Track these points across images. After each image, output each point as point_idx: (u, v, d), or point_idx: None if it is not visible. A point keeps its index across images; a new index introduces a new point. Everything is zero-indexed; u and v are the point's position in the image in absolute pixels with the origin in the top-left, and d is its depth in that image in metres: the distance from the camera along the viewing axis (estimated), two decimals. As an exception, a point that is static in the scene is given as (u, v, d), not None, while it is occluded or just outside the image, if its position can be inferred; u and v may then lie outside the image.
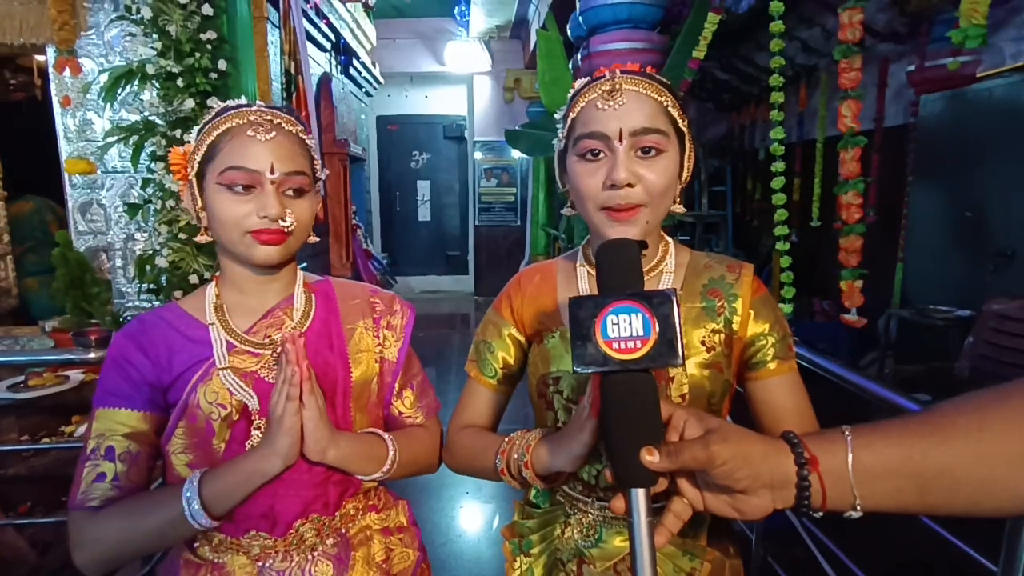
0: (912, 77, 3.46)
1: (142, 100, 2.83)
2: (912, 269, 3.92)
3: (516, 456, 0.77)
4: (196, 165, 0.80)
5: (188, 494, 0.75)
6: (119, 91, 2.58)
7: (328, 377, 0.86)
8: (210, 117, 0.82)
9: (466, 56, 7.40)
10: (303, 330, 0.87)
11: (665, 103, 0.78)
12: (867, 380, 1.40)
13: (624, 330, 0.52)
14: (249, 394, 0.82)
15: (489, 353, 0.93)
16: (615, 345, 0.52)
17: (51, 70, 3.03)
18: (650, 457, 0.50)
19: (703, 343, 0.82)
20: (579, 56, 4.18)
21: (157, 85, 2.51)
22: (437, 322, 6.96)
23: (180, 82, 2.48)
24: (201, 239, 0.85)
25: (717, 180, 5.95)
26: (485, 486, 3.03)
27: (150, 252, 2.53)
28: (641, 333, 0.52)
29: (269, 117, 0.80)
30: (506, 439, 0.81)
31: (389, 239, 8.52)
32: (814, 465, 0.51)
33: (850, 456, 0.50)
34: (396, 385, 0.97)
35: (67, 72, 2.83)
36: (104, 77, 2.71)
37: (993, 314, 2.79)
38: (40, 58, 3.36)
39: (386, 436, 0.90)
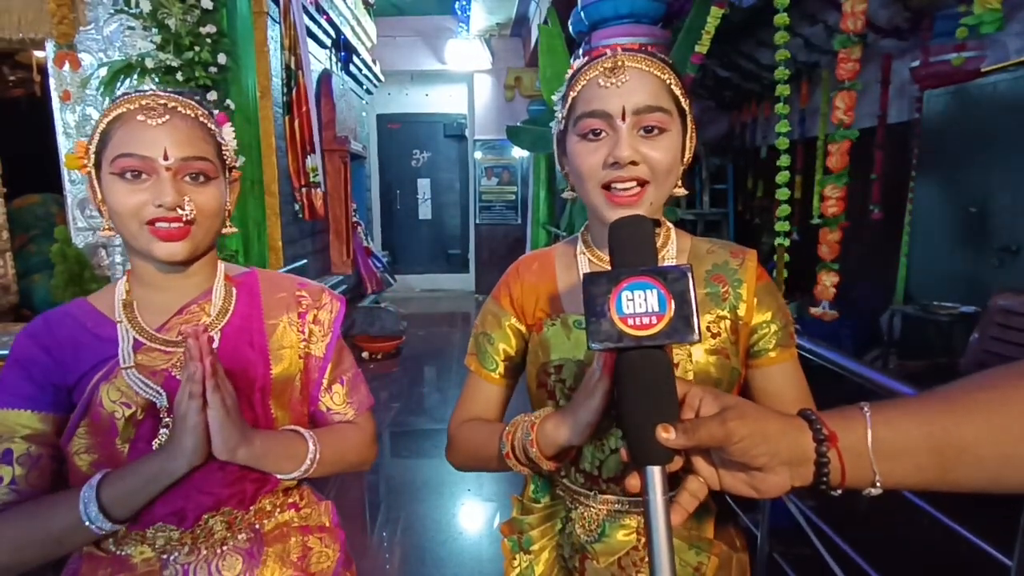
0: (916, 72, 3.45)
1: (198, 100, 2.83)
2: (916, 265, 3.91)
3: (521, 435, 0.73)
4: (92, 156, 0.77)
5: (85, 497, 0.71)
6: (118, 85, 2.58)
7: (247, 374, 0.83)
8: (107, 107, 0.79)
9: (467, 54, 7.39)
10: (221, 326, 0.84)
11: (668, 81, 0.76)
12: (872, 370, 1.38)
13: (639, 306, 0.51)
14: (157, 392, 0.78)
15: (489, 345, 0.90)
16: (630, 321, 0.50)
17: (50, 65, 3.01)
18: (666, 434, 0.49)
19: (708, 329, 0.80)
20: (580, 51, 4.17)
21: (156, 79, 2.51)
22: (437, 321, 6.95)
23: (180, 76, 2.48)
24: (104, 234, 0.81)
25: (718, 178, 5.95)
26: (486, 485, 3.01)
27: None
28: (656, 309, 0.50)
29: (163, 101, 0.77)
30: (510, 423, 0.78)
31: (389, 237, 8.51)
32: (833, 441, 0.49)
33: (869, 432, 0.49)
34: (324, 380, 0.93)
35: (66, 67, 2.82)
36: (103, 71, 2.70)
37: (998, 309, 2.77)
38: (39, 54, 3.35)
39: (306, 434, 0.86)
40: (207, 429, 0.73)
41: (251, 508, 0.85)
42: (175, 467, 0.74)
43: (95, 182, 0.78)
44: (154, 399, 0.78)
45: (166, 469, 0.74)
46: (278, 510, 0.89)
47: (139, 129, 0.75)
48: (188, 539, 0.81)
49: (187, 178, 0.77)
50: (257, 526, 0.86)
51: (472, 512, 2.83)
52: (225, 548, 0.83)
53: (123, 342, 0.80)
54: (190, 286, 0.84)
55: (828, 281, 2.28)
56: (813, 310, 2.37)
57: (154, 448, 0.78)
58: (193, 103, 0.80)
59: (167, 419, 0.79)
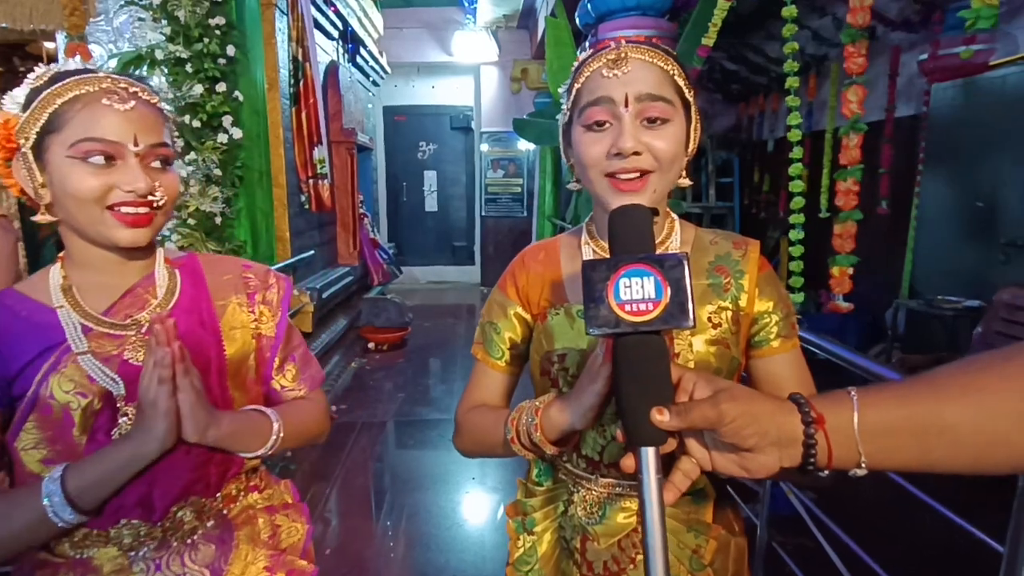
0: (924, 66, 3.42)
1: (151, 86, 2.85)
2: (922, 259, 3.90)
3: (526, 420, 0.74)
4: (33, 136, 0.73)
5: (49, 489, 0.69)
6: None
7: (201, 355, 0.82)
8: (42, 83, 0.74)
9: (473, 46, 7.38)
10: (168, 308, 0.83)
11: (671, 72, 0.77)
12: (875, 363, 1.39)
13: (636, 293, 0.52)
14: (113, 379, 0.76)
15: (495, 334, 0.91)
16: (627, 307, 0.52)
17: (61, 56, 3.04)
18: (660, 416, 0.51)
19: (709, 320, 0.82)
20: (587, 44, 4.17)
21: (166, 70, 2.53)
22: (443, 312, 6.97)
23: (189, 68, 2.50)
24: (41, 218, 0.76)
25: (724, 172, 5.93)
26: (490, 474, 3.04)
27: (160, 238, 2.55)
28: (653, 296, 0.52)
29: (124, 86, 0.75)
30: (515, 409, 0.79)
31: (396, 229, 8.54)
32: (820, 423, 0.51)
33: (856, 415, 0.51)
34: (276, 359, 0.94)
35: (77, 58, 2.84)
36: (113, 63, 2.72)
37: (1003, 304, 2.77)
38: (49, 45, 3.38)
39: (269, 412, 0.87)
40: (178, 413, 0.73)
41: (217, 495, 0.85)
42: (147, 451, 0.72)
43: (32, 163, 0.74)
44: (110, 387, 0.76)
45: (138, 454, 0.72)
46: (242, 494, 0.90)
47: (105, 113, 0.73)
48: (158, 533, 0.79)
49: (155, 163, 0.77)
50: (224, 512, 0.86)
51: (476, 500, 2.86)
52: (195, 537, 0.82)
53: (69, 327, 0.76)
54: (132, 270, 0.83)
55: (846, 273, 2.28)
56: (832, 302, 2.37)
57: (113, 438, 0.76)
58: (149, 89, 0.79)
59: (125, 407, 0.77)
